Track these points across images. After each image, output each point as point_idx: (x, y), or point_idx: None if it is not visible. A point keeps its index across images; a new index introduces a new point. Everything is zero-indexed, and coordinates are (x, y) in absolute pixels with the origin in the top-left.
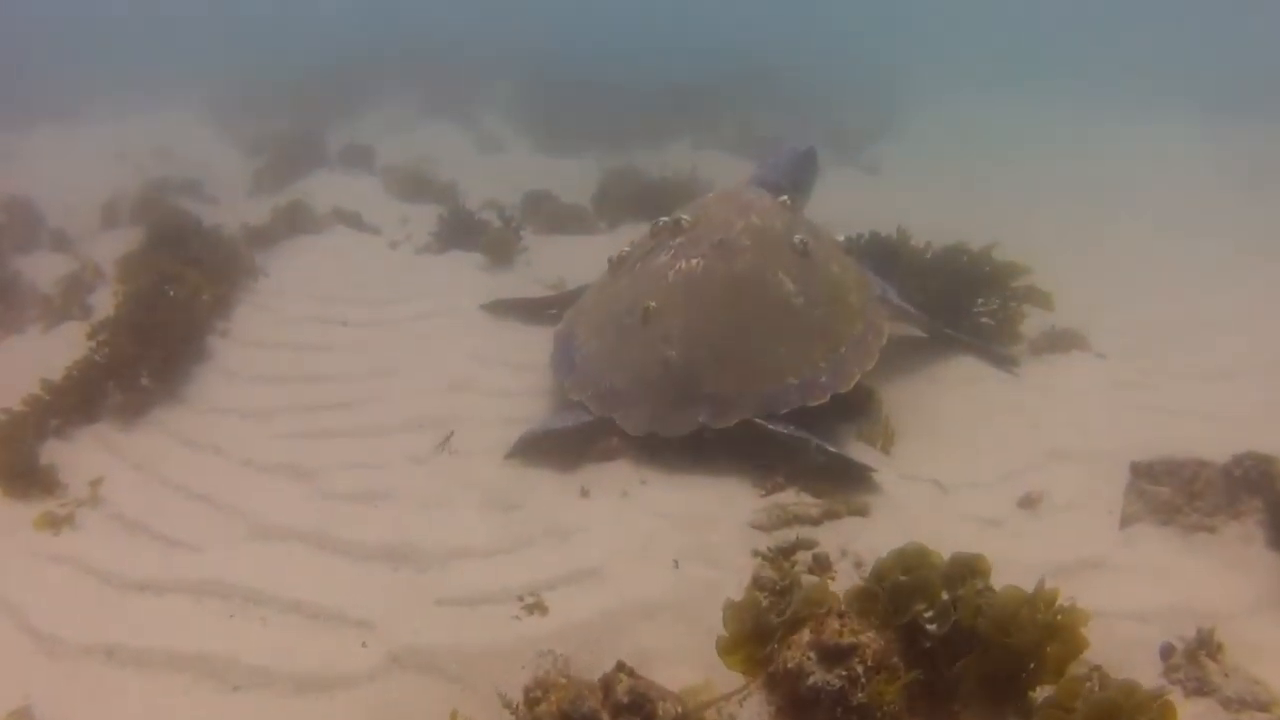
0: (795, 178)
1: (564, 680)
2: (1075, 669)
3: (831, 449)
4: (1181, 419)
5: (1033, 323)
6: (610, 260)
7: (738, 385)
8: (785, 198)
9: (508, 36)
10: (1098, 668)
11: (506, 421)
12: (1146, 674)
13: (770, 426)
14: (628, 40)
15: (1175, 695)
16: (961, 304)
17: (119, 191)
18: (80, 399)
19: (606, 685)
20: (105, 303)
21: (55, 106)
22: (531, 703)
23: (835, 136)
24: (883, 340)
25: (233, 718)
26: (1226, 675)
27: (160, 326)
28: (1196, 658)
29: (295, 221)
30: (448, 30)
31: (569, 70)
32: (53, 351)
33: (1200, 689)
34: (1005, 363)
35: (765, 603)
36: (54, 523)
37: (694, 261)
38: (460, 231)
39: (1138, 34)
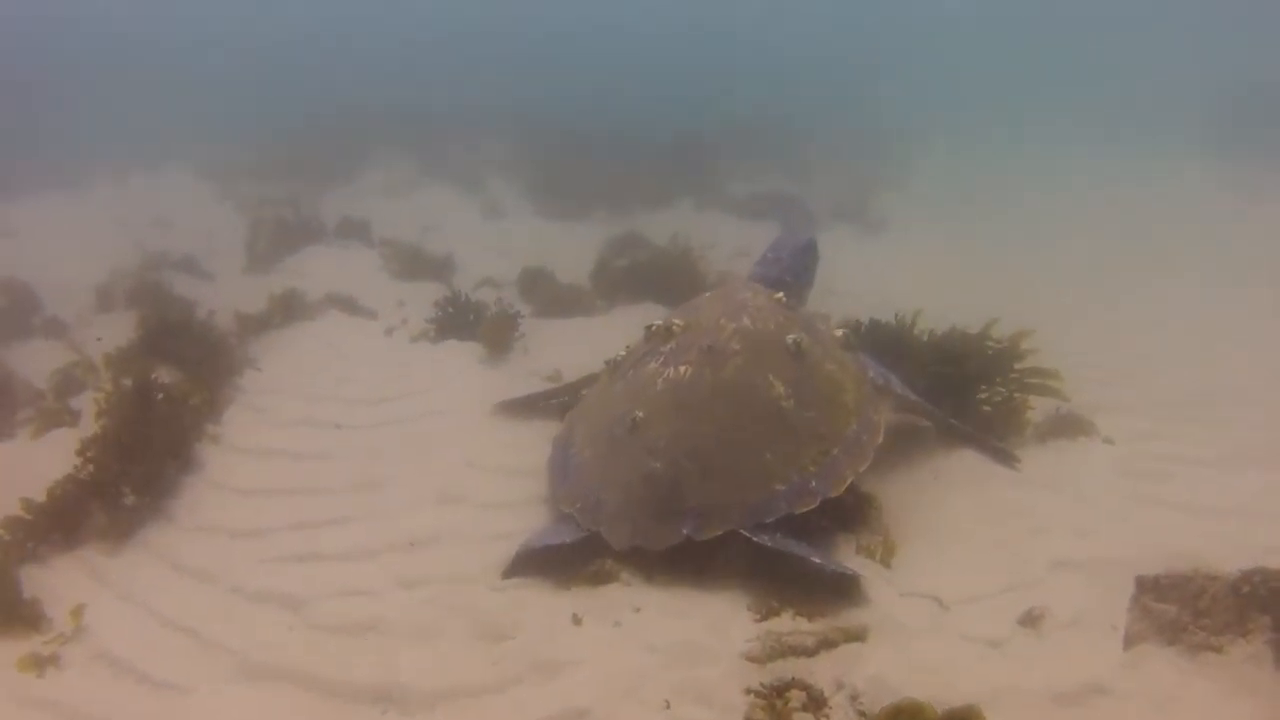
0: (796, 270)
1: None
2: None
3: (816, 559)
4: (1193, 516)
5: (1039, 404)
6: (607, 364)
7: (722, 495)
8: (781, 295)
9: (506, 97)
10: None
11: (499, 538)
12: None
13: (755, 539)
14: (629, 98)
15: None
16: (965, 392)
17: (116, 269)
18: (63, 521)
19: None
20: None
21: (53, 173)
22: None
23: (838, 193)
24: (878, 438)
25: None
26: None
27: (145, 441)
28: None
29: (290, 308)
30: (446, 90)
31: (570, 129)
32: (42, 460)
33: None
34: (1007, 459)
35: None
36: (38, 664)
37: (681, 369)
38: (457, 318)
39: (1140, 64)
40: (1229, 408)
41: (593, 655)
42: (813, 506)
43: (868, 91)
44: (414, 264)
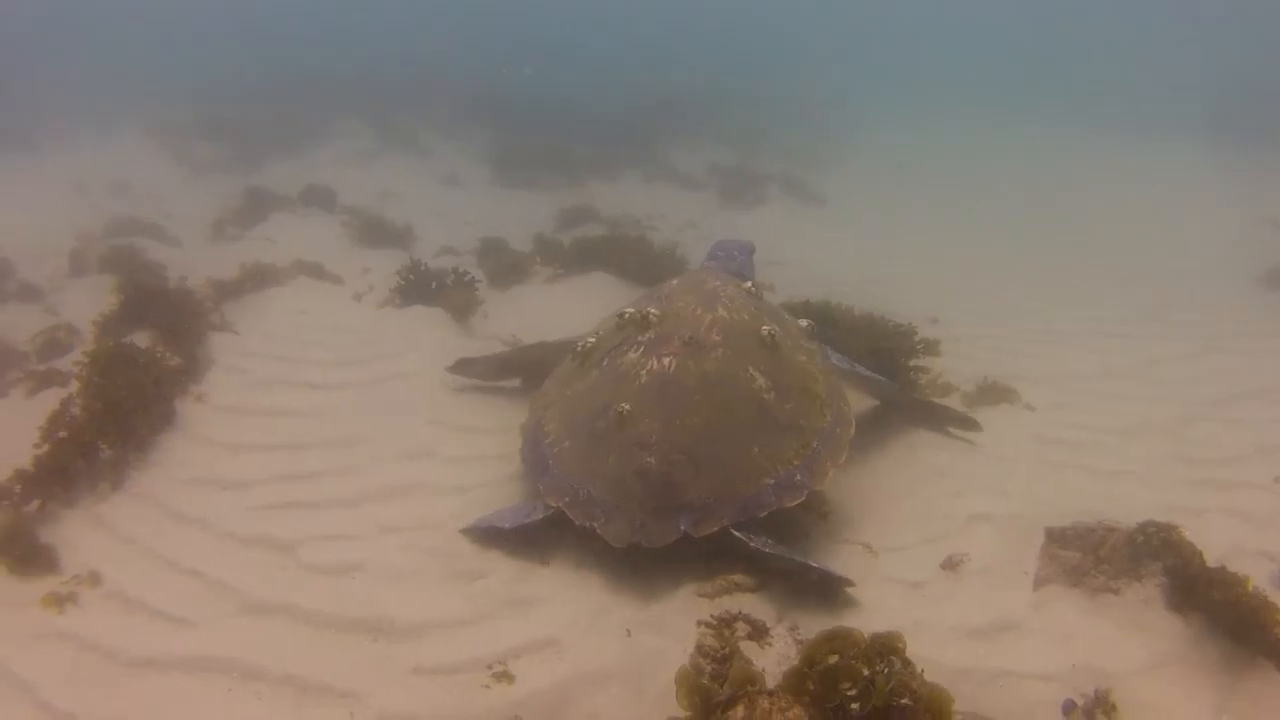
0: (747, 267)
1: None
2: None
3: (815, 564)
4: (1098, 478)
5: (966, 374)
6: (575, 351)
7: (717, 491)
8: (750, 284)
9: (461, 71)
10: None
11: (466, 489)
12: None
13: (751, 544)
14: (582, 73)
15: None
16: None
17: (83, 234)
18: (62, 475)
19: None
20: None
21: (7, 136)
22: None
23: (782, 169)
24: (851, 430)
25: None
26: None
27: (119, 399)
28: (1093, 715)
29: (263, 276)
30: (404, 61)
31: (523, 102)
32: (38, 418)
33: None
34: (966, 422)
35: (708, 669)
36: (58, 601)
37: (665, 360)
38: (420, 286)
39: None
40: (1137, 384)
41: (560, 593)
42: (800, 500)
43: (818, 71)
44: (376, 232)
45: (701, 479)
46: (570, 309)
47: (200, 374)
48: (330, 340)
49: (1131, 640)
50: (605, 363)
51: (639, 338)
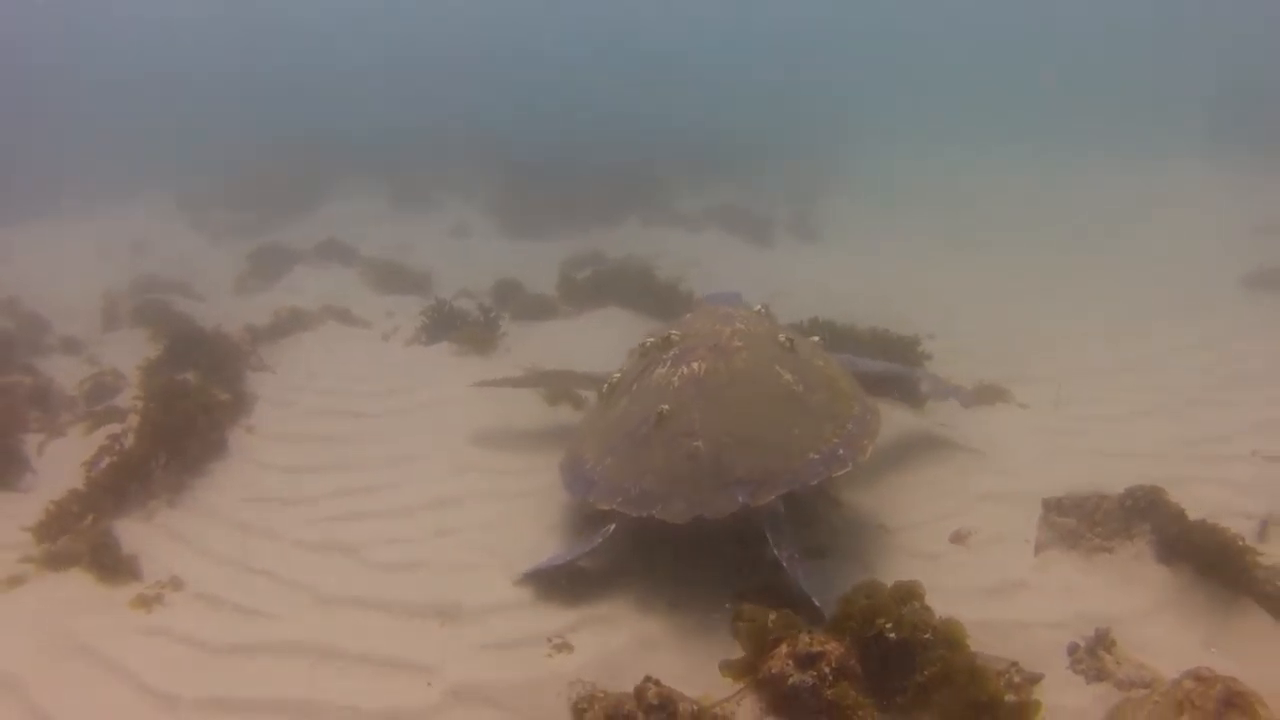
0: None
1: (603, 693)
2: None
3: (817, 603)
4: (1095, 458)
5: (963, 377)
6: (601, 390)
7: (766, 466)
8: (760, 307)
9: (468, 129)
10: (1015, 663)
11: (510, 496)
12: (1056, 668)
13: (777, 552)
14: (580, 126)
15: (1079, 682)
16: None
17: (113, 291)
18: (122, 494)
19: (639, 693)
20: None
21: (29, 205)
22: (579, 713)
23: (779, 209)
24: (880, 419)
25: None
26: (1119, 664)
27: (172, 428)
28: (1095, 652)
29: (297, 319)
30: (411, 121)
31: (527, 157)
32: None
33: (1098, 676)
34: (958, 391)
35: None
36: (146, 603)
37: (695, 365)
38: (444, 324)
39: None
40: (1126, 379)
41: (609, 580)
42: (846, 470)
43: (806, 113)
44: (395, 279)
45: (750, 457)
46: (587, 339)
47: (248, 409)
48: (367, 374)
49: (1126, 590)
50: (635, 387)
51: (664, 356)
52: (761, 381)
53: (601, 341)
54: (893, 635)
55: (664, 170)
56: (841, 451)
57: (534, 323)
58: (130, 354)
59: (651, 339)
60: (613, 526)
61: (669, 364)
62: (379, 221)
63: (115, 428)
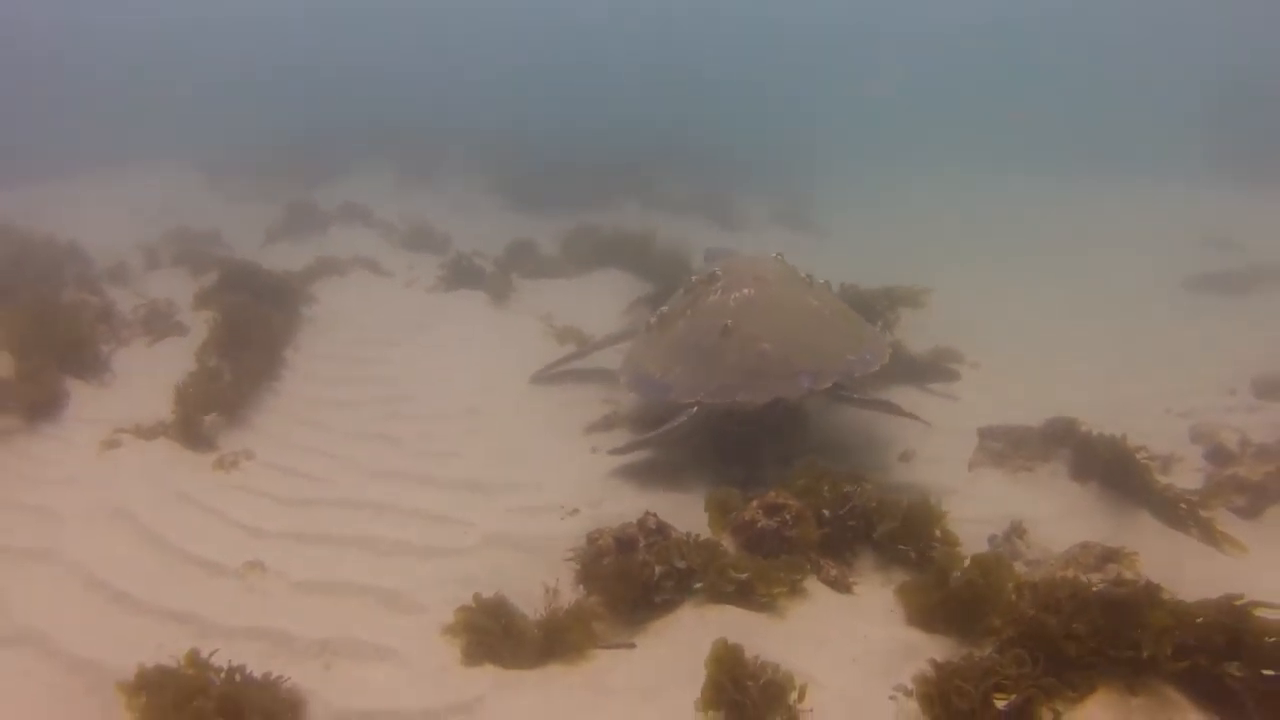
0: None
1: (612, 526)
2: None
3: (906, 411)
4: (1027, 408)
5: (923, 342)
6: (651, 322)
7: (819, 362)
8: (776, 254)
9: (476, 119)
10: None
11: (528, 412)
12: (980, 548)
13: (855, 397)
14: (583, 119)
15: None
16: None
17: (149, 239)
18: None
19: (641, 522)
20: (193, 324)
21: (55, 169)
22: (592, 540)
23: (765, 202)
24: (889, 337)
25: (388, 570)
26: (1028, 547)
27: (247, 339)
28: (1010, 539)
29: (332, 266)
30: (416, 104)
31: (531, 146)
32: (165, 359)
33: (1012, 556)
34: (946, 375)
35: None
36: (225, 466)
37: (745, 291)
38: (462, 274)
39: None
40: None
41: (621, 471)
42: (876, 369)
43: (792, 112)
44: (415, 239)
45: (806, 355)
46: (590, 296)
47: (296, 333)
48: (397, 311)
49: (1042, 499)
50: (688, 312)
51: (714, 287)
52: (798, 304)
53: (603, 299)
54: (828, 494)
55: (661, 164)
56: (868, 356)
57: (543, 279)
58: (175, 289)
59: (697, 275)
60: (695, 408)
61: (719, 292)
62: (387, 200)
63: (178, 339)
